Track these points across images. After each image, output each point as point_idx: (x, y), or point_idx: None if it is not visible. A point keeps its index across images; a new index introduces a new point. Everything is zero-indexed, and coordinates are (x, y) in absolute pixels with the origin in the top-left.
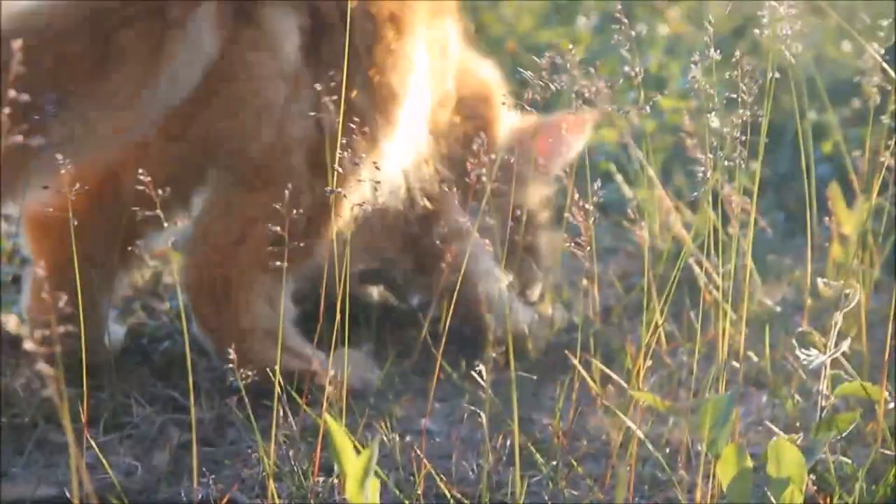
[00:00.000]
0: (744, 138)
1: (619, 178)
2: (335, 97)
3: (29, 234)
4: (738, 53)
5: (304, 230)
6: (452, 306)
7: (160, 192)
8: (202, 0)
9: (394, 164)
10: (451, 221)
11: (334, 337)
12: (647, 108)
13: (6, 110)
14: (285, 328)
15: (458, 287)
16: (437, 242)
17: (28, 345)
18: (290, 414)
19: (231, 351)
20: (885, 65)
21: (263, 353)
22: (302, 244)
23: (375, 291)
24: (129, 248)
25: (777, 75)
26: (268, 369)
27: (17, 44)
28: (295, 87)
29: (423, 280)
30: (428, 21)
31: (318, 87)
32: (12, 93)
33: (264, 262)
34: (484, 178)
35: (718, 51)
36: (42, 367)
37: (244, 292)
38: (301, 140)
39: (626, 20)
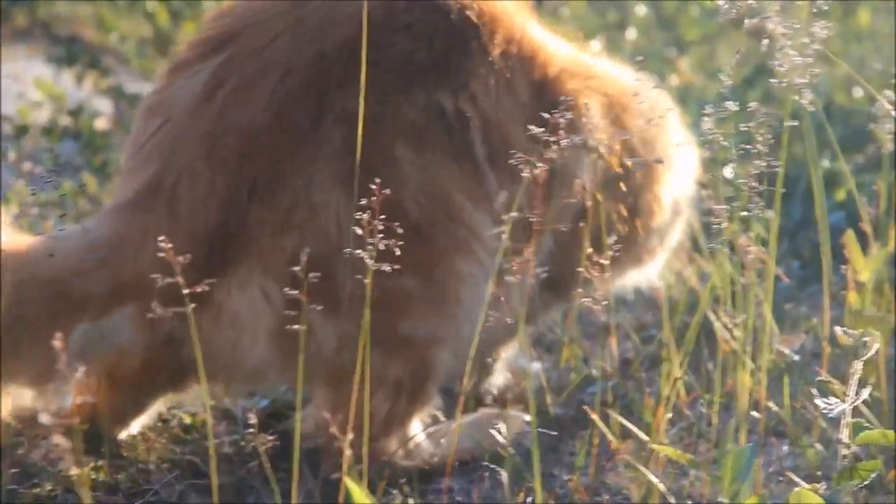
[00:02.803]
0: (760, 188)
1: None
2: None
3: None
4: (752, 104)
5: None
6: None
7: None
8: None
9: None
10: None
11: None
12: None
13: None
14: None
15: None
16: None
17: (44, 418)
18: (309, 477)
19: (251, 416)
20: None
21: None
22: None
23: None
24: None
25: (795, 122)
26: (286, 430)
27: None
28: None
29: None
30: None
31: None
32: None
33: None
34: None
35: (736, 102)
36: (59, 440)
37: None
38: None
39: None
